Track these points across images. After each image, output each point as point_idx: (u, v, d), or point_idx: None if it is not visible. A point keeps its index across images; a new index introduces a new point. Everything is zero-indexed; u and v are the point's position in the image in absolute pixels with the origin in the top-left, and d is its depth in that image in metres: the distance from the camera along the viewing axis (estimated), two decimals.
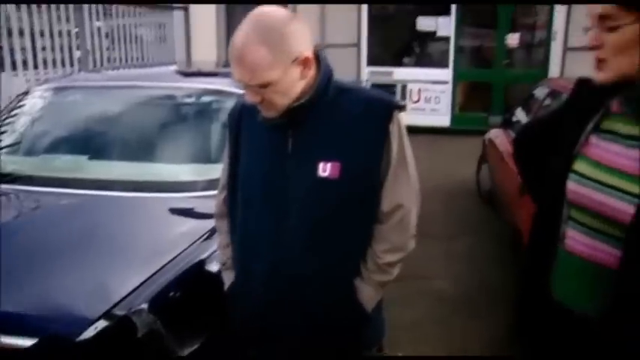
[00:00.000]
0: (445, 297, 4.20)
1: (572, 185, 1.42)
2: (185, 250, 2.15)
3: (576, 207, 1.42)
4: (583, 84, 1.54)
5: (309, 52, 1.58)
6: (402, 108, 1.74)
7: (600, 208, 1.35)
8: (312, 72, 1.63)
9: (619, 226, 1.31)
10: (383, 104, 1.71)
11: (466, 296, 4.19)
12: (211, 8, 10.68)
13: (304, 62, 1.58)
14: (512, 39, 10.60)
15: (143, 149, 3.02)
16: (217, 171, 2.03)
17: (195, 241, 2.21)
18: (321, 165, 1.63)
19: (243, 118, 1.78)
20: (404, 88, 10.74)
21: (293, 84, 1.58)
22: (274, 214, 1.69)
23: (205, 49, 10.37)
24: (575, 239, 1.43)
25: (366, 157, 1.66)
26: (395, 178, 1.70)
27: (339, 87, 1.69)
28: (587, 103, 1.46)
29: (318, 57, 1.66)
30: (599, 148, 1.40)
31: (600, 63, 1.34)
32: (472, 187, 6.74)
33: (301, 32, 1.57)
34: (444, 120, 10.70)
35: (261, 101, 1.59)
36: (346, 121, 1.65)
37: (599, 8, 1.29)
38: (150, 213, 2.51)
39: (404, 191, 1.72)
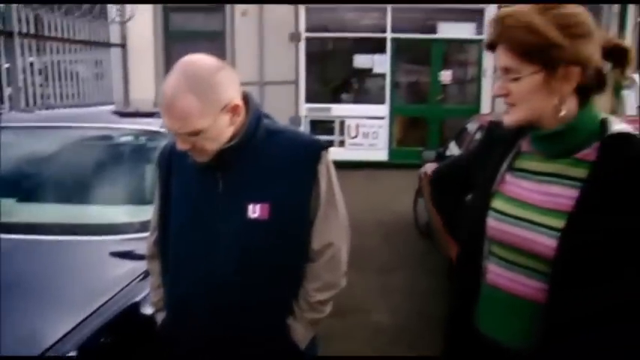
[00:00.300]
0: (383, 329, 4.25)
1: (492, 222, 1.49)
2: (119, 292, 2.13)
3: (496, 242, 1.49)
4: (495, 126, 1.65)
5: (237, 99, 1.63)
6: (328, 147, 1.79)
7: (519, 242, 1.43)
8: (241, 117, 1.67)
9: (537, 258, 1.39)
10: (311, 146, 1.77)
11: (404, 328, 4.25)
12: (149, 45, 10.66)
13: (233, 109, 1.62)
14: (445, 75, 11.02)
15: (77, 191, 2.98)
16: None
17: (129, 284, 2.19)
18: (250, 206, 1.66)
19: (173, 159, 1.80)
20: (342, 124, 10.95)
21: (223, 130, 1.62)
22: (205, 254, 1.70)
23: (144, 87, 10.29)
24: (496, 273, 1.49)
25: (296, 198, 1.71)
26: (324, 217, 1.75)
27: (268, 129, 1.74)
28: (500, 143, 1.57)
29: (247, 100, 1.71)
30: (514, 185, 1.49)
31: (508, 108, 1.45)
32: (410, 220, 6.88)
33: (230, 80, 1.63)
34: (381, 154, 10.94)
35: (191, 148, 1.62)
36: (275, 162, 1.70)
37: (503, 62, 1.40)
38: (82, 256, 2.47)
39: (334, 229, 1.77)
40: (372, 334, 4.16)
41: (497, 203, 1.50)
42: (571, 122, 1.39)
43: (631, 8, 10.35)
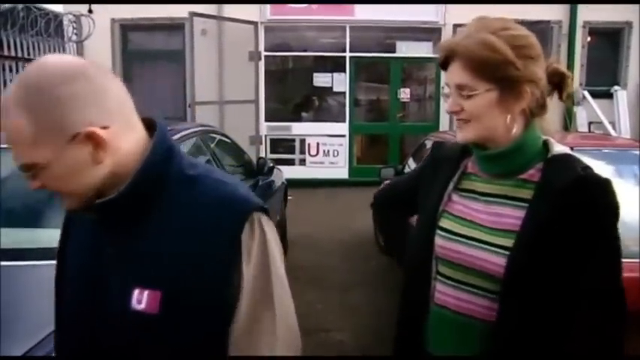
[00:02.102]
0: (345, 348, 4.23)
1: (440, 241, 1.50)
2: None
3: (444, 262, 1.50)
4: (439, 146, 1.69)
5: (98, 127, 1.06)
6: (265, 210, 1.18)
7: (468, 261, 1.44)
8: (121, 154, 1.11)
9: (486, 277, 1.41)
10: (235, 205, 1.15)
11: (366, 347, 4.24)
12: (107, 65, 10.54)
13: (95, 140, 1.06)
14: (404, 93, 11.18)
15: (29, 214, 2.92)
16: None
17: None
18: (136, 292, 1.11)
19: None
20: (303, 142, 11.01)
21: (77, 170, 1.08)
22: (83, 346, 1.21)
23: None
24: (444, 293, 1.50)
25: (204, 285, 1.11)
26: (251, 316, 1.13)
27: (183, 174, 1.17)
28: (446, 163, 1.59)
29: (153, 129, 1.19)
30: (461, 205, 1.51)
31: (461, 126, 1.46)
32: (370, 237, 6.90)
33: (89, 96, 1.07)
34: (342, 172, 11.00)
35: (42, 186, 1.10)
36: (181, 228, 1.13)
37: (458, 78, 1.42)
38: (33, 282, 2.41)
39: (266, 337, 1.14)
40: (334, 353, 4.13)
41: (444, 222, 1.51)
42: (517, 142, 1.43)
43: (579, 30, 10.72)
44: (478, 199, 1.48)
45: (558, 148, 1.45)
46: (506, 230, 1.40)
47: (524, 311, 1.36)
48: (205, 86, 9.28)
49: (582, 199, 1.34)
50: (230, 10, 10.26)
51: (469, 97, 1.40)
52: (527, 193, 1.41)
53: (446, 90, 1.47)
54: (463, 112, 1.42)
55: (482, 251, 1.42)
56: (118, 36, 10.75)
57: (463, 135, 1.45)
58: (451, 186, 1.54)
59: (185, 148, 3.97)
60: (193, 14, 9.08)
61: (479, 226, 1.45)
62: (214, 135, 4.99)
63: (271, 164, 5.65)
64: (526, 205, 1.39)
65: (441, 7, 10.48)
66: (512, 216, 1.41)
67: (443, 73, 1.52)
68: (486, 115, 1.41)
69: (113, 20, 10.55)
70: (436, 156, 1.67)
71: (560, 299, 1.36)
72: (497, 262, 1.39)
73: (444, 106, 1.52)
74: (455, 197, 1.53)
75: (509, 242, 1.38)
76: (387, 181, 6.10)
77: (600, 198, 1.35)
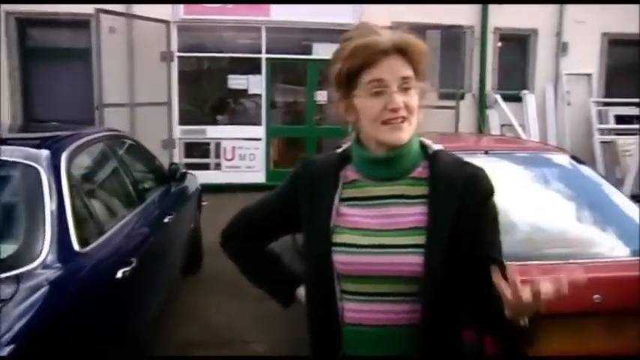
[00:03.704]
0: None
1: (341, 257, 1.43)
2: None
3: (350, 277, 1.43)
4: (310, 163, 1.59)
5: None
6: None
7: (379, 270, 1.39)
8: None
9: (403, 280, 1.38)
10: None
11: (285, 358, 4.12)
12: (3, 64, 9.83)
13: None
14: (321, 96, 11.15)
15: None
16: None
17: None
18: None
19: None
20: (218, 146, 10.81)
21: None
22: None
23: None
24: (356, 310, 1.44)
25: None
26: None
27: None
28: (324, 177, 1.51)
29: None
30: (354, 215, 1.46)
31: (398, 125, 1.40)
32: (288, 243, 6.77)
33: None
34: (259, 177, 10.84)
35: None
36: None
37: (403, 71, 1.38)
38: None
39: None
40: None
41: (341, 238, 1.44)
42: (411, 142, 1.44)
43: (490, 35, 11.07)
44: (370, 205, 1.45)
45: (434, 146, 1.50)
46: (411, 229, 1.40)
47: (448, 305, 1.39)
48: (114, 87, 8.89)
49: (475, 186, 1.42)
50: (140, 9, 9.85)
51: (406, 90, 1.38)
52: (422, 190, 1.42)
53: (375, 88, 1.39)
54: (402, 109, 1.38)
55: (394, 256, 1.38)
56: (14, 32, 10.01)
57: (402, 135, 1.41)
58: (337, 200, 1.47)
59: (90, 155, 3.68)
60: (99, 11, 8.64)
61: (381, 231, 1.42)
62: (124, 140, 4.73)
63: (184, 170, 5.47)
64: (425, 200, 1.41)
65: (358, 8, 10.47)
66: (414, 213, 1.41)
67: None
68: (415, 112, 1.41)
69: (8, 13, 9.83)
70: (310, 172, 1.57)
71: (475, 280, 1.37)
72: (413, 261, 1.37)
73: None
74: (344, 210, 1.47)
75: (419, 240, 1.38)
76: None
77: (486, 184, 1.44)
